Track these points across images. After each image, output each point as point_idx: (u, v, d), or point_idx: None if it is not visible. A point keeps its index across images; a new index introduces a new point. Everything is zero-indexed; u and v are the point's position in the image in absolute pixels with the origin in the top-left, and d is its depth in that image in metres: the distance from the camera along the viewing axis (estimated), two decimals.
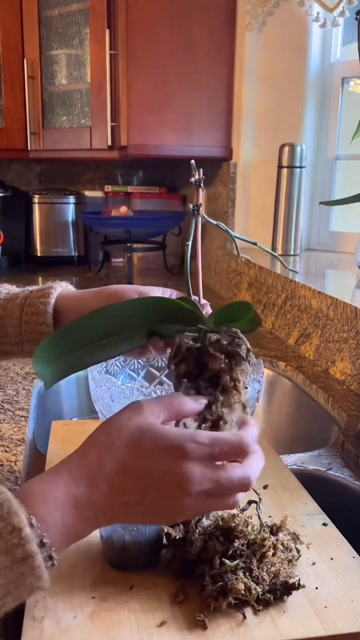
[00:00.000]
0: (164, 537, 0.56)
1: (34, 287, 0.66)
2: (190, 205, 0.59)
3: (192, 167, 0.57)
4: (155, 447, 0.45)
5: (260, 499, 0.57)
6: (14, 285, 0.68)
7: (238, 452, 0.47)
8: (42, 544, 0.41)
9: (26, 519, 0.41)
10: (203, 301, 0.61)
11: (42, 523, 0.42)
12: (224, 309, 0.54)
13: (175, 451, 0.45)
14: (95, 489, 0.45)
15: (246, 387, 0.52)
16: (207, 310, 0.62)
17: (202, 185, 0.59)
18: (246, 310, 0.54)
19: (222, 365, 0.49)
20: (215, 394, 0.50)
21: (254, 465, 0.47)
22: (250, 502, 0.57)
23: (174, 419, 0.48)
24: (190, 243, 0.59)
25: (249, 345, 0.51)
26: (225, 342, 0.50)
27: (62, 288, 0.65)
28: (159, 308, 0.53)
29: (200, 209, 0.60)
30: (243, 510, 0.57)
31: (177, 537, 0.55)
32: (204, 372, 0.50)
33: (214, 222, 0.61)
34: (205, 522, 0.57)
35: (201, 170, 0.59)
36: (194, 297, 0.60)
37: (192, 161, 0.58)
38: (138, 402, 0.48)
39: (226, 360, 0.50)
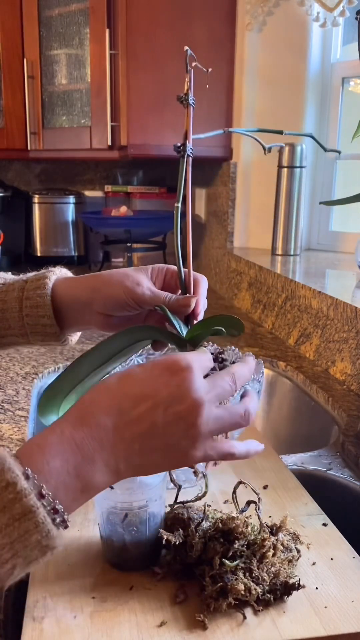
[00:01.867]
0: (164, 542, 0.56)
1: (29, 275, 0.65)
2: (177, 144, 0.50)
3: (188, 58, 0.50)
4: (149, 370, 0.44)
5: (259, 498, 0.57)
6: (9, 273, 0.68)
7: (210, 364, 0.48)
8: (41, 495, 0.39)
9: (21, 473, 0.39)
10: (195, 276, 0.60)
11: (39, 473, 0.39)
12: (200, 327, 0.55)
13: (171, 365, 0.44)
14: (96, 426, 0.42)
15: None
16: (203, 286, 0.60)
17: (192, 102, 0.52)
18: (227, 325, 0.53)
19: None
20: None
21: (240, 372, 0.48)
22: (249, 503, 0.57)
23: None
24: (179, 205, 0.52)
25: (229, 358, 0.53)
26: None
27: (56, 276, 0.64)
28: (136, 334, 0.55)
29: (189, 144, 0.50)
30: (242, 511, 0.57)
31: (177, 543, 0.54)
32: None
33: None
34: (205, 524, 0.57)
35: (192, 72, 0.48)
36: (184, 270, 0.59)
37: (186, 48, 0.52)
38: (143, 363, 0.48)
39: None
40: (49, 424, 0.45)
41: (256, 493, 0.58)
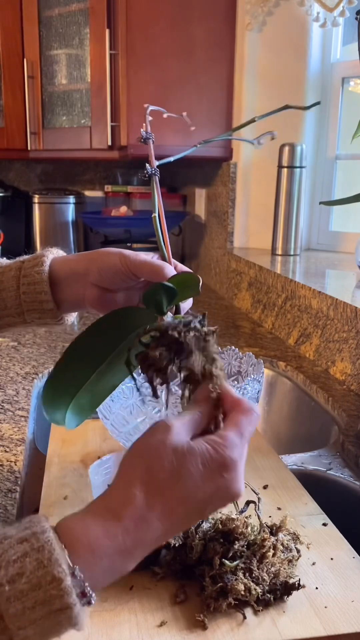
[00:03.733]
0: (166, 548, 0.55)
1: (25, 257, 0.66)
2: (147, 167, 0.60)
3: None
4: (199, 470, 0.44)
5: (259, 498, 0.57)
6: (4, 258, 0.69)
7: (255, 426, 0.48)
8: (83, 594, 0.39)
9: (68, 569, 0.38)
10: (177, 265, 0.62)
11: (85, 572, 0.39)
12: (150, 293, 0.53)
13: (222, 466, 0.44)
14: (147, 532, 0.43)
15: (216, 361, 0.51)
16: (180, 268, 0.61)
17: (152, 139, 0.58)
18: (167, 289, 0.52)
19: (167, 361, 0.49)
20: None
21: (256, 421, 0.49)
22: (248, 503, 0.57)
23: (198, 431, 0.47)
24: (156, 215, 0.59)
25: (193, 318, 0.50)
26: (160, 336, 0.49)
27: (53, 254, 0.65)
28: (113, 321, 0.54)
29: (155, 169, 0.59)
30: (242, 512, 0.57)
31: (177, 545, 0.54)
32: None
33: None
34: (205, 525, 0.57)
35: (148, 122, 0.58)
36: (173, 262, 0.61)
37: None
38: (163, 423, 0.46)
39: (169, 351, 0.49)
40: (54, 422, 0.47)
41: (255, 493, 0.58)
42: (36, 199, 2.39)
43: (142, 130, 0.60)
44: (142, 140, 0.60)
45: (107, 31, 1.86)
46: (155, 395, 0.50)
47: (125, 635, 0.48)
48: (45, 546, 0.38)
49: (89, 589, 0.39)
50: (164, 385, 0.51)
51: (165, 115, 0.61)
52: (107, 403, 0.67)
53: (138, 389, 0.54)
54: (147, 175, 0.60)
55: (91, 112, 1.98)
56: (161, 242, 0.60)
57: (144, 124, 0.59)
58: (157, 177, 0.60)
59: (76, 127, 2.04)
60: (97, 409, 0.70)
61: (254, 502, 0.57)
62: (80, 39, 1.98)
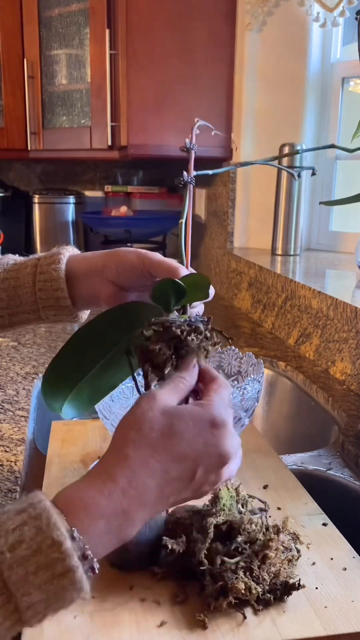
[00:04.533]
0: (166, 549, 0.55)
1: (41, 254, 0.66)
2: (185, 174, 0.61)
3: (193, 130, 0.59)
4: (189, 427, 0.45)
5: (267, 507, 0.59)
6: (17, 255, 0.69)
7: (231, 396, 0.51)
8: (84, 557, 0.39)
9: (67, 532, 0.39)
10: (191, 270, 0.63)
11: (84, 534, 0.40)
12: (156, 293, 0.53)
13: (210, 423, 0.46)
14: (142, 489, 0.43)
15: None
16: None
17: (195, 148, 0.61)
18: (176, 285, 0.52)
19: (166, 357, 0.50)
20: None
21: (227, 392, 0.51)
22: (261, 509, 0.59)
23: (182, 398, 0.49)
24: (184, 221, 0.61)
25: (195, 320, 0.51)
26: (163, 331, 0.50)
27: (69, 252, 0.65)
28: (120, 314, 0.54)
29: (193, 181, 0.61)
30: (254, 513, 0.58)
31: (180, 551, 0.54)
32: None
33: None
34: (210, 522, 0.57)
35: (193, 134, 0.60)
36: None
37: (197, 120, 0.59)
38: (149, 393, 0.48)
39: (169, 348, 0.50)
40: (52, 411, 0.47)
41: (263, 502, 0.60)
42: (36, 199, 2.39)
43: (187, 139, 0.62)
44: (186, 149, 0.62)
45: (107, 31, 1.86)
46: (146, 389, 0.50)
47: (125, 635, 0.48)
48: (42, 513, 0.39)
49: (89, 552, 0.40)
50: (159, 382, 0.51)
51: (212, 133, 0.64)
52: (107, 403, 0.67)
53: (139, 391, 0.54)
54: (182, 183, 0.62)
55: (91, 112, 1.98)
56: (183, 248, 0.61)
57: (190, 136, 0.62)
58: (192, 185, 0.62)
59: (76, 127, 2.04)
60: (97, 409, 0.70)
61: (265, 510, 0.59)
62: (80, 39, 1.98)
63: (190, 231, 0.63)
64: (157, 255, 0.61)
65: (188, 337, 0.50)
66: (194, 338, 0.50)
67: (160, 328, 0.50)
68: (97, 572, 0.41)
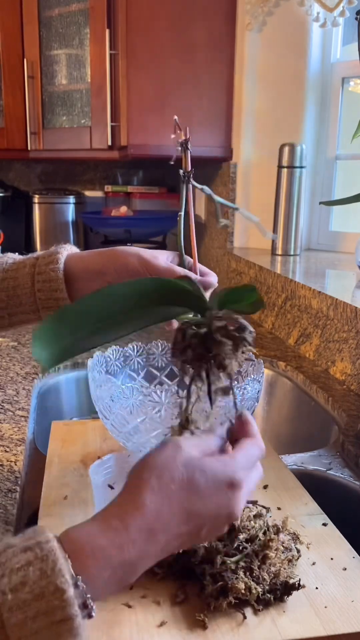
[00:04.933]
0: None
1: (40, 253, 0.65)
2: (181, 171, 0.61)
3: (175, 124, 0.58)
4: (209, 484, 0.45)
5: (269, 508, 0.60)
6: (16, 253, 0.68)
7: (261, 456, 0.49)
8: (84, 606, 0.39)
9: (71, 579, 0.38)
10: (203, 269, 0.64)
11: (88, 583, 0.39)
12: (228, 291, 0.53)
13: (228, 484, 0.46)
14: (153, 544, 0.43)
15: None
16: (209, 277, 0.64)
17: (189, 147, 0.60)
18: (249, 294, 0.53)
19: (228, 351, 0.50)
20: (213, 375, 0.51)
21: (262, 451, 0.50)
22: (266, 508, 0.60)
23: (207, 454, 0.48)
24: (182, 213, 0.61)
25: (251, 329, 0.52)
26: (232, 328, 0.50)
27: (67, 251, 0.65)
28: (158, 290, 0.51)
29: (191, 175, 0.61)
30: (259, 513, 0.58)
31: (180, 551, 0.54)
32: (205, 357, 0.51)
33: (199, 186, 0.62)
34: None
35: (187, 128, 0.59)
36: (188, 259, 0.63)
37: (175, 117, 0.59)
38: (174, 440, 0.47)
39: (232, 345, 0.50)
40: (37, 358, 0.45)
41: (265, 508, 0.60)
42: (36, 199, 2.39)
43: (172, 135, 0.61)
44: (181, 145, 0.62)
45: (107, 31, 1.86)
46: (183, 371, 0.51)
47: (125, 635, 0.48)
48: (49, 555, 0.38)
49: (90, 600, 0.39)
50: (164, 386, 0.51)
51: (172, 136, 0.63)
52: (107, 403, 0.67)
53: (211, 398, 0.53)
54: (184, 178, 0.62)
55: (91, 112, 1.98)
56: (181, 243, 0.61)
57: (178, 132, 0.60)
58: (189, 180, 0.62)
59: (76, 127, 2.04)
60: (98, 409, 0.70)
61: (267, 507, 0.60)
62: (80, 39, 1.98)
63: (193, 225, 0.63)
64: (159, 261, 0.60)
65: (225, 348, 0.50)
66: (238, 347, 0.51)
67: (205, 330, 0.50)
68: (93, 616, 0.40)
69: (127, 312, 0.50)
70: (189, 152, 0.61)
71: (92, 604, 0.39)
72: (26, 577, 0.37)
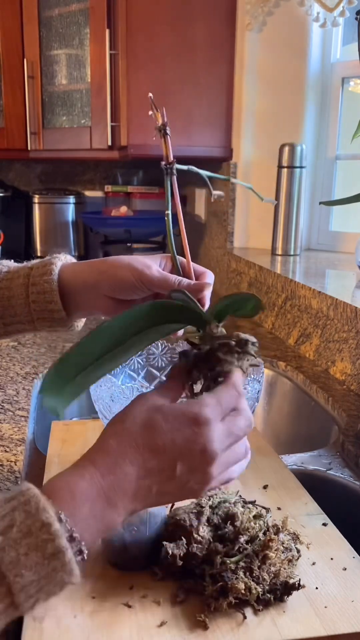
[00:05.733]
0: (167, 555, 0.55)
1: (34, 262, 0.65)
2: (162, 163, 0.58)
3: (151, 104, 0.56)
4: (171, 422, 0.46)
5: (269, 509, 0.60)
6: (12, 260, 0.68)
7: (237, 402, 0.49)
8: (71, 539, 0.41)
9: (55, 514, 0.41)
10: (198, 269, 0.63)
11: (70, 517, 0.42)
12: (227, 302, 0.54)
13: (192, 420, 0.46)
14: (122, 475, 0.45)
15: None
16: (206, 278, 0.63)
17: (168, 131, 0.57)
18: (247, 302, 0.54)
19: (233, 366, 0.50)
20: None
21: (247, 407, 0.50)
22: (267, 509, 0.60)
23: (174, 400, 0.50)
24: (169, 212, 0.60)
25: (254, 340, 0.52)
26: (233, 343, 0.51)
27: (62, 262, 0.64)
28: (153, 313, 0.52)
29: (174, 165, 0.58)
30: (259, 513, 0.59)
31: (180, 555, 0.54)
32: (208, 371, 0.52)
33: (184, 167, 0.59)
34: (205, 530, 0.56)
35: (164, 109, 0.57)
36: (180, 260, 0.62)
37: (150, 94, 0.58)
38: (142, 394, 0.50)
39: (235, 359, 0.51)
40: (48, 407, 0.47)
41: (265, 509, 0.60)
42: (36, 199, 2.39)
43: (155, 117, 0.57)
44: (159, 130, 0.58)
45: (107, 31, 1.86)
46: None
47: (125, 635, 0.48)
48: (31, 500, 0.41)
49: (77, 534, 0.41)
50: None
51: (150, 113, 0.60)
52: (107, 403, 0.67)
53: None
54: (167, 170, 0.59)
55: (91, 112, 1.98)
56: (172, 242, 0.60)
57: (155, 112, 0.57)
58: (172, 172, 0.59)
59: (76, 127, 2.04)
60: (97, 409, 0.70)
61: (267, 508, 0.60)
62: (80, 39, 1.98)
63: (182, 222, 0.61)
64: (153, 270, 0.60)
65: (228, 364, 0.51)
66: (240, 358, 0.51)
67: (207, 347, 0.51)
68: (85, 557, 0.42)
69: (127, 340, 0.51)
70: (168, 137, 0.58)
71: (78, 537, 0.41)
72: (13, 520, 0.40)
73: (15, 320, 0.64)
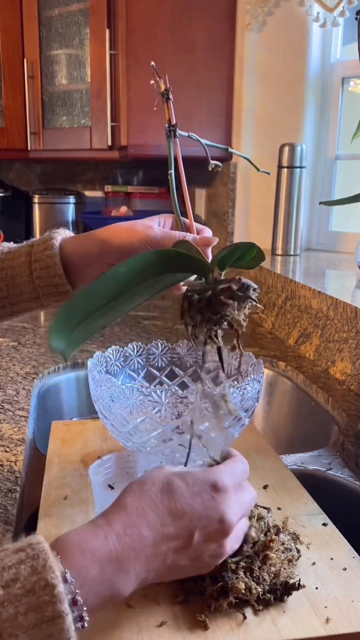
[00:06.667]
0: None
1: (34, 240, 0.65)
2: (166, 125, 0.61)
3: (153, 70, 0.58)
4: (190, 486, 0.46)
5: (269, 509, 0.60)
6: (11, 243, 0.68)
7: (245, 476, 0.51)
8: (74, 602, 0.39)
9: (60, 575, 0.39)
10: (199, 226, 0.64)
11: (76, 578, 0.40)
12: (228, 250, 0.54)
13: (211, 486, 0.47)
14: (138, 538, 0.44)
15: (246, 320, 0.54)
16: (205, 234, 0.64)
17: (170, 97, 0.60)
18: (248, 249, 0.54)
19: (234, 310, 0.51)
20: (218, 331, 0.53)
21: (249, 484, 0.52)
22: (268, 509, 0.60)
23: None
24: (172, 171, 0.61)
25: (255, 286, 0.53)
26: (235, 288, 0.51)
27: (62, 236, 0.64)
28: (159, 261, 0.52)
29: (177, 128, 0.61)
30: (260, 515, 0.59)
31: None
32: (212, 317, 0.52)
33: (185, 134, 0.62)
34: None
35: (166, 76, 0.59)
36: (183, 219, 0.63)
37: (153, 63, 0.59)
38: (159, 465, 0.50)
39: (235, 304, 0.52)
40: (55, 348, 0.46)
41: (265, 508, 0.61)
42: (36, 199, 2.39)
43: (158, 84, 0.60)
44: (162, 95, 0.61)
45: (107, 31, 1.86)
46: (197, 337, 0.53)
47: (125, 635, 0.48)
48: (39, 554, 0.39)
49: (80, 597, 0.39)
50: (163, 386, 0.51)
51: (152, 81, 0.62)
52: (107, 403, 0.67)
53: (223, 366, 0.54)
54: (169, 133, 0.62)
55: (91, 112, 1.98)
56: (175, 202, 0.60)
57: (157, 80, 0.60)
58: (175, 134, 0.62)
59: (76, 127, 2.04)
60: (97, 409, 0.70)
61: (268, 508, 0.60)
62: (80, 39, 1.98)
63: (185, 186, 0.63)
64: (156, 229, 0.60)
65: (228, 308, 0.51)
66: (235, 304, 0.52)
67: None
68: (85, 624, 0.40)
69: (133, 287, 0.51)
70: (170, 102, 0.60)
71: (81, 602, 0.40)
72: (18, 574, 0.38)
73: (21, 298, 0.63)
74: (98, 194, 2.58)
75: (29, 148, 2.12)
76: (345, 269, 1.49)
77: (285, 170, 1.64)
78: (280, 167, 1.65)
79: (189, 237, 0.61)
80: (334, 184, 1.76)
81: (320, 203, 0.84)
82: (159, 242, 0.60)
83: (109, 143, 1.96)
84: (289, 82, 1.71)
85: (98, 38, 1.89)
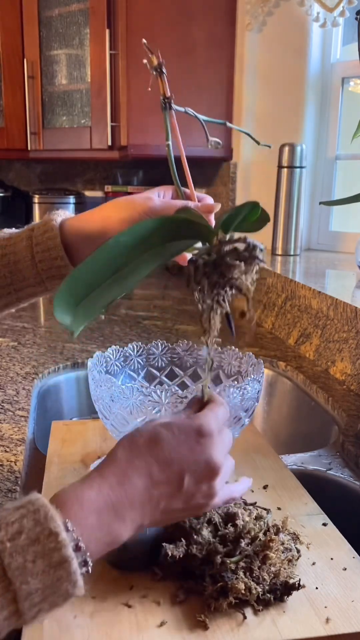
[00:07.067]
0: (166, 557, 0.55)
1: (34, 224, 0.65)
2: (162, 98, 0.61)
3: (145, 48, 0.59)
4: (176, 434, 0.48)
5: (269, 510, 0.60)
6: (13, 228, 0.68)
7: (226, 416, 0.53)
8: (77, 548, 0.41)
9: (62, 523, 0.41)
10: (200, 195, 0.63)
11: (77, 527, 0.42)
12: (231, 212, 0.53)
13: (196, 431, 0.48)
14: (130, 487, 0.46)
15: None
16: (207, 201, 0.63)
17: (164, 70, 0.60)
18: (252, 210, 0.53)
19: (241, 273, 0.51)
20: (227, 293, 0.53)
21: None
22: (267, 510, 0.61)
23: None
24: (169, 142, 0.61)
25: (261, 246, 0.52)
26: (241, 248, 0.50)
27: (61, 217, 0.64)
28: (160, 228, 0.51)
29: (171, 100, 0.61)
30: (260, 514, 0.59)
31: (180, 556, 0.54)
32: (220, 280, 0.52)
33: (181, 109, 0.63)
34: (205, 532, 0.56)
35: (159, 52, 0.60)
36: (183, 189, 0.63)
37: (144, 40, 0.60)
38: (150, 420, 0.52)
39: (242, 265, 0.51)
40: (61, 322, 0.47)
41: (265, 509, 0.61)
42: (36, 199, 2.39)
43: (150, 62, 0.60)
44: (155, 70, 0.61)
45: (107, 31, 1.86)
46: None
47: (125, 635, 0.48)
48: (40, 509, 0.41)
49: (82, 543, 0.42)
50: (163, 386, 0.51)
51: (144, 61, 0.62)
52: (107, 403, 0.67)
53: (231, 327, 0.54)
54: (164, 105, 0.63)
55: (91, 112, 1.98)
56: (174, 171, 0.60)
57: (150, 57, 0.60)
58: (170, 106, 0.63)
59: (76, 127, 2.04)
60: (97, 409, 0.70)
61: (268, 509, 0.60)
62: (80, 39, 1.98)
63: (184, 156, 0.64)
64: (156, 200, 0.60)
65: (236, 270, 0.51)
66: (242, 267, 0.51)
67: (215, 256, 0.51)
68: (89, 569, 0.42)
69: (138, 257, 0.50)
70: (164, 75, 0.61)
71: (84, 547, 0.42)
72: (21, 527, 0.40)
73: (25, 284, 0.63)
74: (98, 194, 2.58)
75: (29, 148, 2.12)
76: (345, 269, 1.49)
77: (285, 170, 1.64)
78: (280, 167, 1.65)
79: (191, 204, 0.61)
80: (334, 184, 1.76)
81: (320, 203, 0.84)
82: (159, 213, 0.60)
83: (109, 143, 1.96)
84: (289, 82, 1.71)
85: (98, 38, 1.89)
